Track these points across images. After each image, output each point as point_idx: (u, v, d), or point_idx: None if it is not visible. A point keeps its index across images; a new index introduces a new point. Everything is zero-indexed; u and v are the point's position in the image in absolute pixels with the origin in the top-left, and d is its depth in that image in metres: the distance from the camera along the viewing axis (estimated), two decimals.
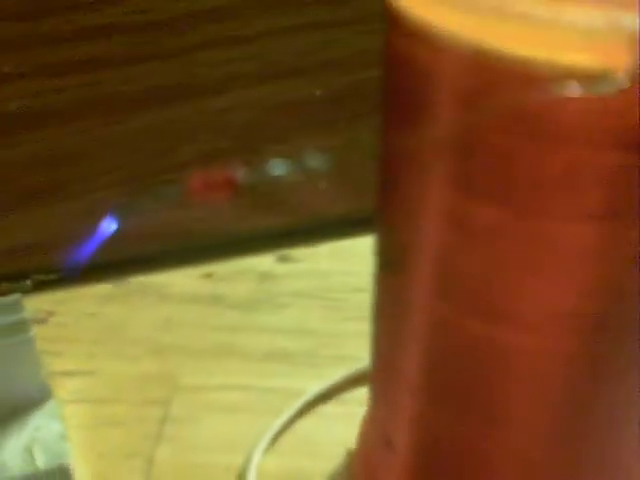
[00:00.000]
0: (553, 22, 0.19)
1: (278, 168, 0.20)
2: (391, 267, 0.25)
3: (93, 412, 0.37)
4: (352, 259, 0.45)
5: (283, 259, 0.45)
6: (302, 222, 0.46)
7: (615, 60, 0.17)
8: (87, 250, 0.23)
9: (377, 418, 0.30)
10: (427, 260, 0.23)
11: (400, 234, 0.24)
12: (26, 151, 0.42)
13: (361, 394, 0.38)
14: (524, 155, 0.20)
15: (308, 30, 0.44)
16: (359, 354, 0.39)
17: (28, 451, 0.35)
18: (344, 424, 0.37)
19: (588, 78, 0.17)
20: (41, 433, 0.36)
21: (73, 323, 0.42)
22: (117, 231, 0.22)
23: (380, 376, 0.29)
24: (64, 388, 0.38)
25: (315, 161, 0.21)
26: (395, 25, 0.21)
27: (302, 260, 0.45)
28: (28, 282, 0.43)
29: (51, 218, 0.43)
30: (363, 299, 0.42)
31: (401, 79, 0.22)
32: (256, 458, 0.35)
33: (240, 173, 0.21)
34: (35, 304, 0.43)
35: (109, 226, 0.22)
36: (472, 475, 0.27)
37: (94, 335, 0.41)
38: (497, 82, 0.19)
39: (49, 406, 0.37)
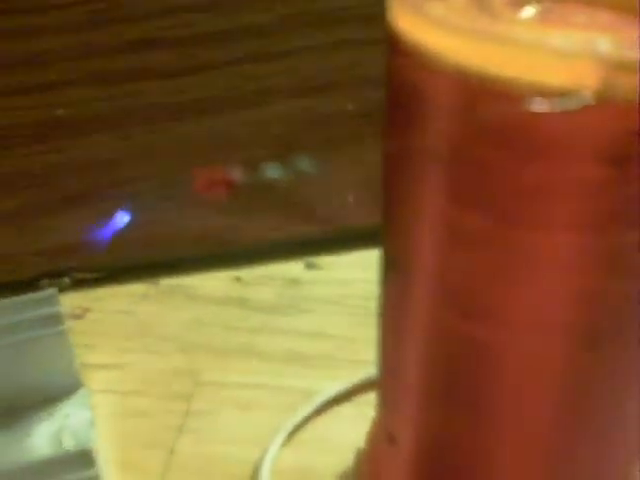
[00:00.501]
0: (531, 44, 0.20)
1: (272, 171, 0.22)
2: (393, 269, 0.27)
3: (121, 403, 0.40)
4: (375, 269, 0.46)
5: (310, 266, 0.47)
6: (331, 232, 0.48)
7: (584, 79, 0.19)
8: (103, 236, 0.25)
9: (382, 416, 0.31)
10: (423, 264, 0.25)
11: (400, 238, 0.26)
12: (71, 155, 0.44)
13: (375, 397, 0.39)
14: (503, 166, 0.21)
15: (343, 47, 0.45)
16: (375, 359, 0.41)
17: (57, 436, 0.37)
18: (357, 425, 0.38)
19: (559, 95, 0.19)
20: (70, 420, 0.38)
21: (107, 320, 0.44)
22: (129, 222, 0.24)
23: (384, 376, 0.30)
24: (95, 379, 0.41)
25: (305, 165, 0.23)
26: (393, 45, 0.23)
27: (328, 268, 0.47)
28: (67, 280, 0.46)
29: (92, 219, 0.46)
30: None
31: (397, 95, 0.24)
32: (271, 452, 0.36)
33: (237, 174, 0.23)
34: (73, 301, 0.45)
35: (122, 218, 0.24)
36: (470, 468, 0.28)
37: (126, 331, 0.44)
38: (479, 99, 0.21)
39: (79, 395, 0.39)
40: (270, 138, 0.46)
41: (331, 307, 0.44)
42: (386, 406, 0.30)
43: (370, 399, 0.39)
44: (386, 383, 0.30)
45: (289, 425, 0.38)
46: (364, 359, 0.41)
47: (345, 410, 0.39)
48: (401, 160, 0.24)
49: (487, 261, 0.23)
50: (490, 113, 0.20)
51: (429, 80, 0.21)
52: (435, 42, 0.21)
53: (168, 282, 0.47)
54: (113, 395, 0.40)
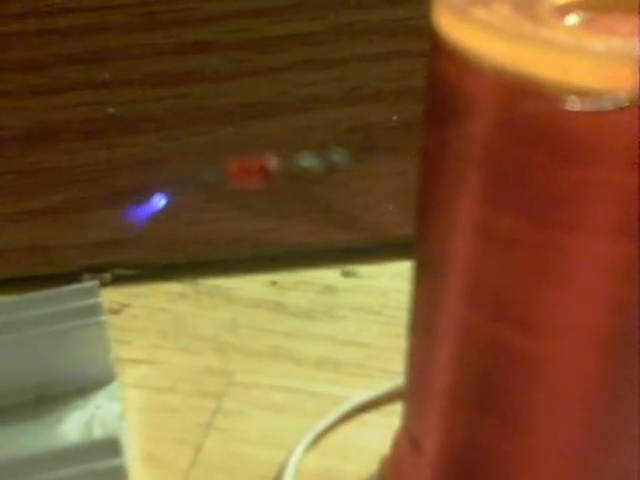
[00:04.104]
0: (572, 48, 0.20)
1: (307, 160, 0.22)
2: (426, 274, 0.27)
3: (152, 398, 0.40)
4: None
5: (347, 274, 0.47)
6: (370, 241, 0.48)
7: (622, 82, 0.19)
8: (140, 218, 0.25)
9: (407, 422, 0.31)
10: (457, 268, 0.25)
11: (434, 242, 0.26)
12: (119, 153, 0.45)
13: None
14: (540, 169, 0.21)
15: (392, 58, 0.46)
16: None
17: (88, 425, 0.38)
18: (383, 433, 0.38)
19: (595, 96, 0.19)
20: (101, 411, 0.38)
21: (144, 316, 0.45)
22: (165, 205, 0.25)
23: (411, 381, 0.30)
24: (128, 374, 0.41)
25: (339, 156, 0.23)
26: (436, 45, 0.23)
27: (365, 276, 0.47)
28: (108, 275, 0.47)
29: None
30: None
31: (438, 96, 0.24)
32: (296, 455, 0.36)
33: (272, 162, 0.23)
34: (112, 296, 0.46)
35: (158, 202, 0.25)
36: (495, 477, 0.27)
37: (162, 329, 0.44)
38: (519, 101, 0.21)
39: (112, 388, 0.39)
40: (313, 145, 0.46)
41: (366, 316, 0.44)
42: (411, 412, 0.30)
43: (398, 409, 0.39)
44: (413, 388, 0.30)
45: (315, 430, 0.38)
46: (395, 369, 0.41)
47: (372, 418, 0.39)
48: (437, 162, 0.24)
49: (522, 265, 0.22)
50: (530, 115, 0.20)
51: (471, 82, 0.21)
52: (478, 44, 0.21)
53: (206, 282, 0.47)
54: (144, 390, 0.41)
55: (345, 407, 0.39)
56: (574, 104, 0.19)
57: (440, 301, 0.26)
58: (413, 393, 0.30)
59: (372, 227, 0.48)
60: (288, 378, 0.41)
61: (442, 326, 0.27)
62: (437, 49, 0.23)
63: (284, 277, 0.47)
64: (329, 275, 0.47)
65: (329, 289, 0.46)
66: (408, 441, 0.31)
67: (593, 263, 0.22)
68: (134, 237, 0.46)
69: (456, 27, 0.22)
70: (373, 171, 0.47)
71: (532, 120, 0.21)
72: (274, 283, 0.47)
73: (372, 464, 0.36)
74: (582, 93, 0.19)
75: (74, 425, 0.38)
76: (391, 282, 0.46)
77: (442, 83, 0.23)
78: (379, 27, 0.44)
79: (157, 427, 0.39)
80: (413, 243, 0.28)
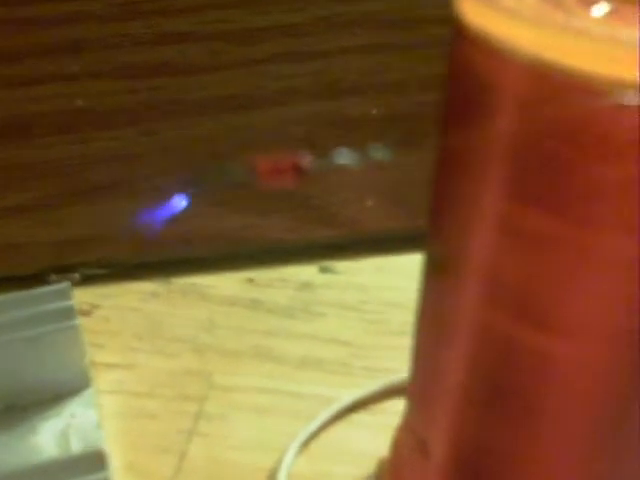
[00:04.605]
0: (608, 39, 0.19)
1: (344, 157, 0.21)
2: (440, 271, 0.26)
3: (129, 404, 0.38)
4: (393, 275, 0.45)
5: (325, 270, 0.46)
6: (347, 236, 0.47)
7: None
8: (157, 221, 0.23)
9: (413, 424, 0.30)
10: (476, 265, 0.24)
11: (451, 239, 0.25)
12: (93, 147, 0.43)
13: (394, 405, 0.38)
14: (579, 166, 0.20)
15: (372, 51, 0.44)
16: (393, 367, 0.40)
17: (63, 435, 0.36)
18: (374, 434, 0.37)
19: (633, 89, 0.18)
20: (77, 420, 0.36)
21: (116, 317, 0.43)
22: (186, 207, 0.23)
23: (420, 381, 0.29)
24: (103, 379, 0.39)
25: (378, 153, 0.22)
26: (459, 33, 0.22)
27: (343, 272, 0.46)
28: (76, 275, 0.44)
29: (104, 215, 0.45)
30: (401, 314, 0.43)
31: (462, 86, 0.23)
32: (287, 460, 0.35)
33: (306, 160, 0.22)
34: (81, 297, 0.44)
35: (179, 202, 0.23)
36: None
37: (136, 330, 0.42)
38: (554, 93, 0.20)
39: (87, 394, 0.38)
40: (291, 138, 0.45)
41: (346, 312, 0.43)
42: (418, 413, 0.29)
43: (388, 407, 0.38)
44: (420, 389, 0.29)
45: (305, 432, 0.36)
46: (381, 367, 0.40)
47: (362, 418, 0.38)
48: (458, 155, 0.23)
49: (549, 263, 0.22)
50: (563, 107, 0.19)
51: (498, 71, 0.20)
52: (507, 32, 0.20)
53: (179, 281, 0.46)
54: (121, 396, 0.39)
55: (334, 408, 0.37)
56: (613, 99, 0.18)
57: (455, 300, 0.25)
58: (421, 394, 0.29)
59: (351, 223, 0.47)
60: (270, 379, 0.40)
61: (456, 325, 0.26)
62: (460, 37, 0.22)
63: (260, 274, 0.46)
64: (306, 271, 0.46)
65: (307, 286, 0.45)
66: (414, 443, 0.30)
67: (621, 262, 0.21)
68: (104, 235, 0.44)
69: (482, 15, 0.21)
70: (351, 165, 0.46)
71: (564, 112, 0.20)
72: (250, 280, 0.45)
73: (365, 466, 0.35)
74: (615, 84, 0.19)
75: (49, 436, 0.36)
76: (370, 278, 0.45)
77: (465, 72, 0.22)
78: (360, 19, 0.43)
79: (137, 435, 0.37)
80: (425, 242, 0.27)
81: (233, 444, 0.37)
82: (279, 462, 0.35)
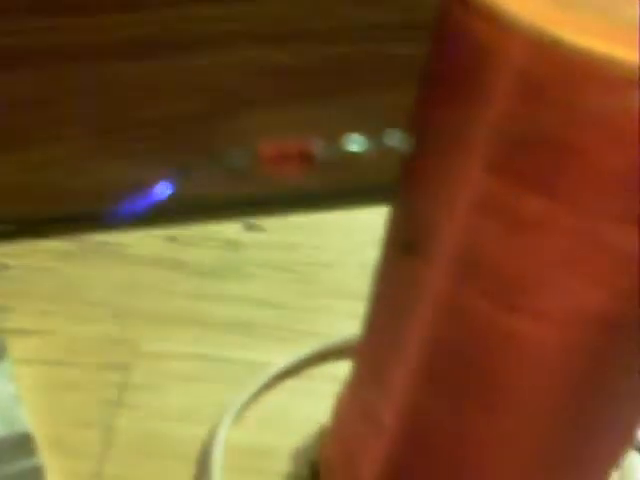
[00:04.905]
0: (628, 19, 0.18)
1: (357, 144, 0.19)
2: (408, 247, 0.24)
3: (48, 374, 0.36)
4: (322, 234, 0.44)
5: (250, 228, 0.44)
6: (272, 192, 0.45)
7: None
8: (134, 208, 0.21)
9: (364, 396, 0.29)
10: (453, 244, 0.23)
11: (425, 215, 0.23)
12: None
13: (329, 370, 0.37)
14: (585, 151, 0.19)
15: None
16: (326, 331, 0.39)
17: None
18: (309, 400, 0.36)
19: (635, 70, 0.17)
20: None
21: (28, 278, 0.40)
22: (172, 195, 0.21)
23: (375, 355, 0.28)
24: (17, 347, 0.36)
25: (396, 140, 0.20)
26: (458, 4, 0.20)
27: (270, 231, 0.44)
28: None
29: (8, 166, 0.41)
30: (333, 275, 0.42)
31: (454, 54, 0.21)
32: (223, 431, 0.34)
33: (316, 146, 0.20)
34: None
35: (164, 189, 0.20)
36: (461, 461, 0.26)
37: (50, 292, 0.39)
38: (556, 68, 0.19)
39: (2, 367, 0.35)
40: (210, 89, 0.42)
41: (276, 273, 0.42)
42: (372, 383, 0.28)
43: (320, 373, 0.37)
44: (376, 359, 0.28)
45: (239, 401, 0.35)
46: (313, 330, 0.39)
47: (295, 384, 0.37)
48: (443, 127, 0.21)
49: (534, 245, 0.21)
50: (565, 84, 0.18)
51: (501, 40, 0.19)
52: (513, 2, 0.18)
53: (93, 239, 0.42)
54: (38, 365, 0.36)
55: (267, 375, 0.36)
56: (615, 78, 0.17)
57: (422, 276, 0.24)
58: (375, 363, 0.28)
59: (274, 177, 0.45)
60: (199, 344, 0.38)
61: (421, 300, 0.24)
62: (459, 3, 0.20)
63: (182, 232, 0.43)
64: (231, 229, 0.44)
65: (233, 244, 0.43)
66: (362, 412, 0.29)
67: (610, 250, 0.20)
68: (9, 188, 0.40)
69: None
70: (275, 117, 0.44)
71: (565, 90, 0.19)
72: (172, 239, 0.43)
73: (302, 434, 0.34)
74: (620, 65, 0.18)
75: None
76: (298, 236, 0.44)
77: (461, 39, 0.20)
78: None
79: (59, 408, 0.34)
80: (389, 218, 0.25)
81: (163, 415, 0.35)
82: (212, 434, 0.34)
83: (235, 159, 0.20)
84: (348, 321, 0.39)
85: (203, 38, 0.41)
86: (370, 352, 0.28)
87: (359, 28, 0.43)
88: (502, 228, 0.21)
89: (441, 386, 0.25)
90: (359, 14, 0.42)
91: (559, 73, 0.18)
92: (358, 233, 0.43)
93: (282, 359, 0.37)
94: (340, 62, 0.44)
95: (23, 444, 0.28)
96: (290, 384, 0.37)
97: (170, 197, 0.46)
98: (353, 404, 0.30)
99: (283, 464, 0.33)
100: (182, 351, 0.37)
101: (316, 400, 0.35)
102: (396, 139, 0.19)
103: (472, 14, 0.19)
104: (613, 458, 0.27)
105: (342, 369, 0.36)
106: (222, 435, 0.33)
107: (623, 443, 0.27)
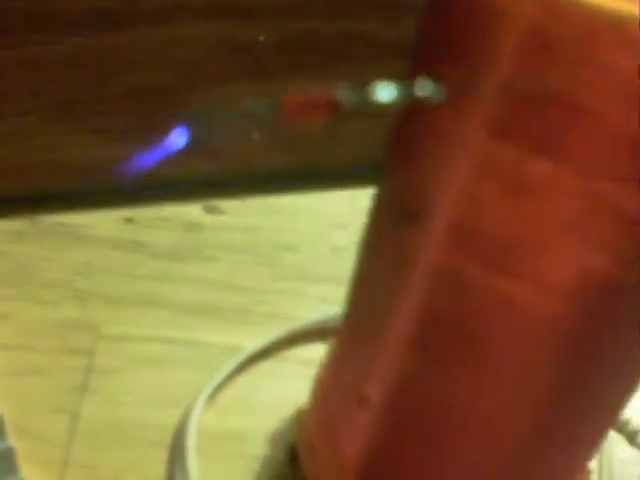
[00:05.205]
0: None
1: (386, 92, 0.19)
2: (404, 215, 0.24)
3: (9, 359, 0.34)
4: (285, 217, 0.43)
5: (210, 210, 0.43)
6: (232, 172, 0.44)
7: None
8: (147, 163, 0.20)
9: (348, 373, 0.29)
10: (448, 210, 0.22)
11: (419, 180, 0.23)
12: None
13: (301, 353, 0.37)
14: (595, 110, 0.19)
15: None
16: (292, 313, 0.38)
17: None
18: (281, 383, 0.35)
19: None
20: None
21: None
22: (186, 146, 0.20)
23: (360, 328, 0.28)
24: None
25: (429, 90, 0.19)
26: None
27: (230, 213, 0.43)
28: None
29: None
30: (297, 258, 0.41)
31: (463, 14, 0.21)
32: (195, 415, 0.33)
33: (343, 94, 0.19)
34: None
35: (178, 139, 0.19)
36: (445, 434, 0.26)
37: (5, 276, 0.37)
38: (577, 29, 0.18)
39: None
40: (175, 62, 0.41)
41: (239, 256, 0.41)
42: (358, 359, 0.28)
43: (292, 355, 0.37)
44: (362, 334, 0.27)
45: (211, 385, 0.34)
46: (279, 312, 0.39)
47: (267, 367, 0.36)
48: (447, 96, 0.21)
49: (547, 210, 0.21)
50: (574, 39, 0.18)
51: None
52: None
53: (46, 220, 0.41)
54: None
55: (239, 358, 0.35)
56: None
57: (413, 247, 0.24)
58: (361, 345, 0.28)
59: (234, 157, 0.44)
60: (165, 327, 0.37)
61: (413, 269, 0.24)
62: None
63: (140, 213, 0.42)
64: (190, 211, 0.43)
65: (193, 226, 0.42)
66: (346, 391, 0.28)
67: (630, 213, 0.21)
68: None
69: None
70: (236, 94, 0.43)
71: (574, 46, 0.19)
72: (129, 220, 0.41)
73: (276, 417, 0.34)
74: (637, 20, 0.18)
75: None
76: (259, 218, 0.43)
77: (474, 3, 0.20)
78: None
79: (20, 394, 0.33)
80: (379, 186, 0.25)
81: (130, 400, 0.34)
82: (185, 418, 0.33)
83: (258, 108, 0.19)
84: (316, 304, 0.39)
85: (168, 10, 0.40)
86: (355, 326, 0.28)
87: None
88: (504, 193, 0.21)
89: (431, 355, 0.25)
90: None
91: (571, 30, 0.18)
92: (323, 216, 0.43)
93: (251, 342, 0.36)
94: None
95: None
96: (261, 367, 0.36)
97: (125, 178, 0.45)
98: (335, 383, 0.30)
99: (259, 448, 0.33)
100: (147, 334, 0.36)
101: (288, 383, 0.35)
102: (427, 88, 0.19)
103: None
104: (599, 437, 0.27)
105: (313, 352, 0.36)
106: (195, 419, 0.33)
107: (611, 422, 0.27)
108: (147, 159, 0.19)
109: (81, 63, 0.39)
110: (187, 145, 0.19)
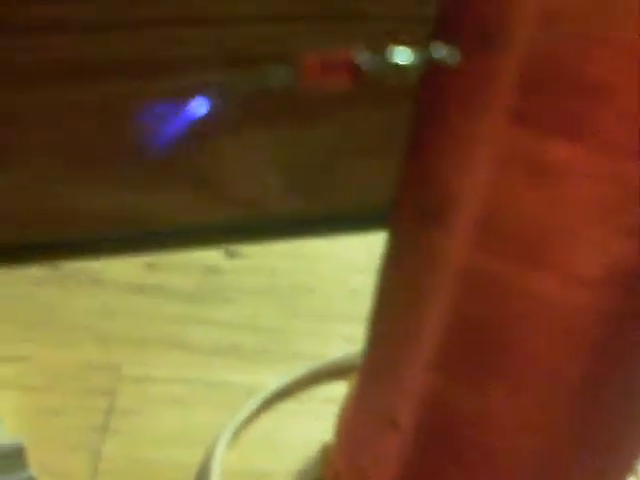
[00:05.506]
0: None
1: (403, 55, 0.19)
2: (426, 216, 0.24)
3: (29, 400, 0.34)
4: (304, 260, 0.43)
5: (231, 254, 0.43)
6: (250, 218, 0.45)
7: None
8: (170, 131, 0.20)
9: (374, 400, 0.28)
10: (475, 205, 0.22)
11: (439, 179, 0.23)
12: None
13: (322, 392, 0.36)
14: (617, 89, 0.19)
15: (272, 22, 0.42)
16: (312, 352, 0.38)
17: None
18: (304, 421, 0.35)
19: None
20: None
21: (4, 305, 0.38)
22: (208, 113, 0.20)
23: (387, 353, 0.27)
24: None
25: (445, 53, 0.19)
26: None
27: (251, 257, 0.43)
28: None
29: None
30: (316, 299, 0.41)
31: (479, 3, 0.21)
32: (218, 455, 0.32)
33: (362, 57, 0.19)
34: None
35: (200, 106, 0.19)
36: (480, 450, 0.26)
37: (27, 319, 0.38)
38: (597, 8, 0.18)
39: None
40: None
41: (259, 297, 0.41)
42: (386, 388, 0.27)
43: (314, 394, 0.37)
44: (389, 361, 0.27)
45: (233, 424, 0.34)
46: (300, 351, 0.39)
47: (289, 406, 0.36)
48: (455, 81, 0.21)
49: (571, 195, 0.20)
50: (606, 21, 0.18)
51: None
52: None
53: (68, 266, 0.41)
54: (17, 391, 0.34)
55: (260, 397, 0.35)
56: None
57: (442, 249, 0.23)
58: (389, 369, 0.27)
59: (253, 203, 0.44)
60: (186, 368, 0.37)
61: (443, 276, 0.23)
62: None
63: (160, 259, 0.42)
64: (211, 256, 0.43)
65: (214, 270, 0.42)
66: (374, 419, 0.28)
67: (638, 194, 0.20)
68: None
69: None
70: (252, 141, 0.43)
71: (593, 26, 0.19)
72: (150, 265, 0.42)
73: (300, 456, 0.33)
74: None
75: None
76: (279, 262, 0.43)
77: None
78: None
79: (43, 434, 0.32)
80: (396, 194, 0.25)
81: (151, 439, 0.33)
82: (208, 457, 0.32)
83: (278, 73, 0.19)
84: (336, 342, 0.39)
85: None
86: (381, 351, 0.28)
87: None
88: (527, 181, 0.21)
89: (460, 369, 0.25)
90: None
91: (591, 9, 0.18)
92: (341, 260, 0.43)
93: (272, 381, 0.36)
94: None
95: (17, 456, 0.26)
96: (284, 407, 0.36)
97: (145, 224, 0.45)
98: (361, 414, 0.29)
99: None
100: (168, 375, 0.36)
101: (311, 422, 0.35)
102: (442, 51, 0.19)
103: None
104: (637, 448, 0.26)
105: (335, 390, 0.36)
106: (219, 458, 0.32)
107: None
108: (169, 129, 0.19)
109: (101, 111, 0.40)
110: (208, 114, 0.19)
